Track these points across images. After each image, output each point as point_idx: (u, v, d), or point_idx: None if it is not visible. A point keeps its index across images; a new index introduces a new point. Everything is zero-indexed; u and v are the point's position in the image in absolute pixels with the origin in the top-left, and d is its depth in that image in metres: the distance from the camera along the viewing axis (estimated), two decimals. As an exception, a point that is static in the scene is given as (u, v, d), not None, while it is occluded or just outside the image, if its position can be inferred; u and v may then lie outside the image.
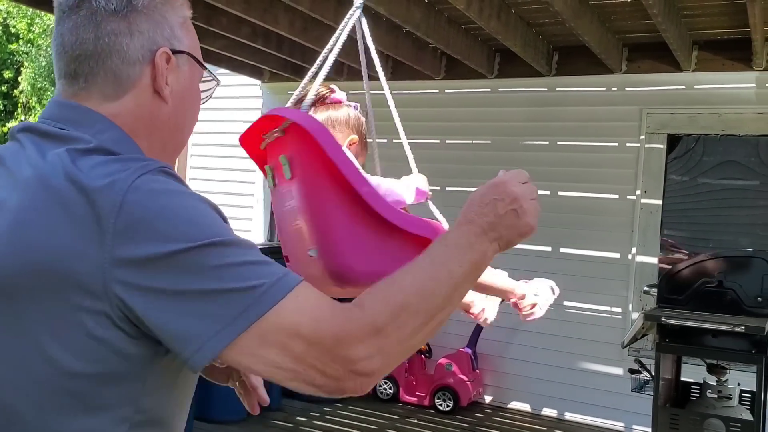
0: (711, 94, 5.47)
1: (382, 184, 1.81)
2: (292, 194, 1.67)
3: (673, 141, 5.64)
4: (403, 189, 1.89)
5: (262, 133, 1.76)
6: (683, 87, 5.57)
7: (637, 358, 4.49)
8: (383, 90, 2.09)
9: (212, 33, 5.70)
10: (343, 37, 1.88)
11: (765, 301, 3.67)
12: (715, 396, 4.01)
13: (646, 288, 4.64)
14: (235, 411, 5.06)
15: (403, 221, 1.65)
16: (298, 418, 5.34)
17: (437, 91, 6.46)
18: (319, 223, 1.62)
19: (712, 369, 4.06)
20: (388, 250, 1.65)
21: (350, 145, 1.98)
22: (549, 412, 5.90)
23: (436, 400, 5.74)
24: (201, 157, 7.69)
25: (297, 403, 5.61)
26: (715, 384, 4.02)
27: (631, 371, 4.39)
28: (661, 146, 5.61)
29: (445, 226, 1.85)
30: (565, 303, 5.88)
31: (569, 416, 5.81)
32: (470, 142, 6.32)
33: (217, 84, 1.36)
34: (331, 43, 1.85)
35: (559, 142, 5.98)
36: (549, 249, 5.98)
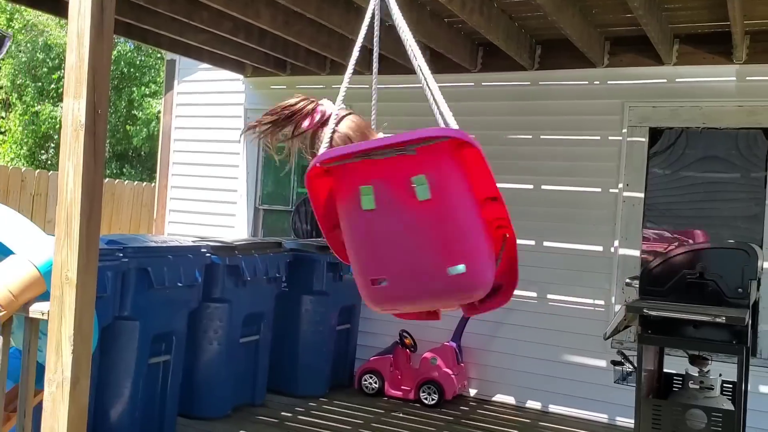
0: (692, 87, 5.50)
1: None
2: (427, 214, 1.69)
3: (655, 134, 5.67)
4: None
5: (340, 158, 1.80)
6: (665, 80, 5.60)
7: (620, 350, 4.51)
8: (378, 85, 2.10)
9: (193, 27, 5.67)
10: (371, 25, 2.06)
11: (745, 292, 3.70)
12: (697, 387, 4.04)
13: (628, 280, 4.65)
14: (219, 407, 5.05)
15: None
16: (282, 413, 5.32)
17: (419, 84, 6.42)
18: (470, 237, 1.70)
19: (694, 360, 4.09)
20: (492, 254, 1.85)
21: None
22: (533, 404, 5.92)
23: (422, 394, 5.75)
24: (184, 152, 7.63)
25: (281, 399, 5.60)
26: (697, 375, 4.06)
27: (614, 363, 4.41)
28: (643, 139, 5.64)
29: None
30: (549, 296, 5.91)
31: (553, 408, 5.84)
32: (454, 136, 6.31)
33: (10, 39, 1.33)
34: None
35: (542, 136, 6.00)
36: (533, 242, 6.00)
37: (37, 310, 2.58)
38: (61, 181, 2.54)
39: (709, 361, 4.06)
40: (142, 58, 18.21)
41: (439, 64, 6.23)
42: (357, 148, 1.81)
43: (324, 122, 1.99)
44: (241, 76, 7.22)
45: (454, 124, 1.95)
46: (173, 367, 4.59)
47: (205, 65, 7.25)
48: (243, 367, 5.26)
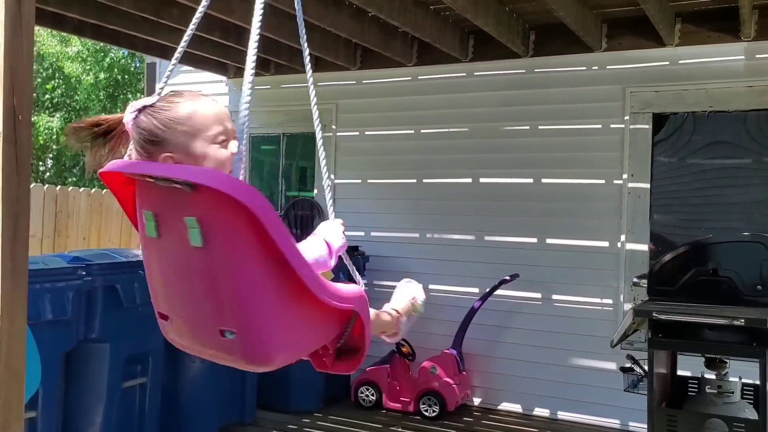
0: (697, 68, 5.16)
1: (306, 255, 1.55)
2: (201, 263, 1.42)
3: (659, 120, 5.33)
4: (327, 259, 1.67)
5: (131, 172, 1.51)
6: (667, 63, 5.25)
7: (630, 354, 4.18)
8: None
9: (165, 27, 5.37)
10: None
11: (765, 290, 3.36)
12: (715, 392, 3.71)
13: (635, 279, 4.32)
14: (204, 428, 4.75)
15: (339, 299, 1.54)
16: (273, 431, 5.01)
17: (409, 78, 6.13)
18: (243, 305, 1.41)
19: (710, 363, 3.76)
20: (314, 325, 1.56)
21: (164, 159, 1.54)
22: (541, 411, 5.59)
23: (422, 406, 5.43)
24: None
25: (273, 415, 5.29)
26: (714, 378, 3.73)
27: (623, 369, 4.09)
28: (647, 126, 5.30)
29: (361, 284, 1.78)
30: (554, 296, 5.59)
31: (562, 415, 5.51)
32: (446, 130, 6.00)
33: None
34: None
35: (540, 126, 5.67)
36: (534, 240, 5.67)
37: (-41, 346, 2.27)
38: (-21, 199, 2.23)
39: (727, 364, 3.73)
40: (137, 64, 17.97)
41: (427, 55, 5.94)
42: (136, 168, 1.51)
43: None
44: (224, 78, 6.93)
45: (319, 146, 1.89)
46: (150, 389, 4.29)
47: (187, 67, 6.96)
48: (229, 384, 4.96)
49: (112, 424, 4.00)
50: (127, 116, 1.57)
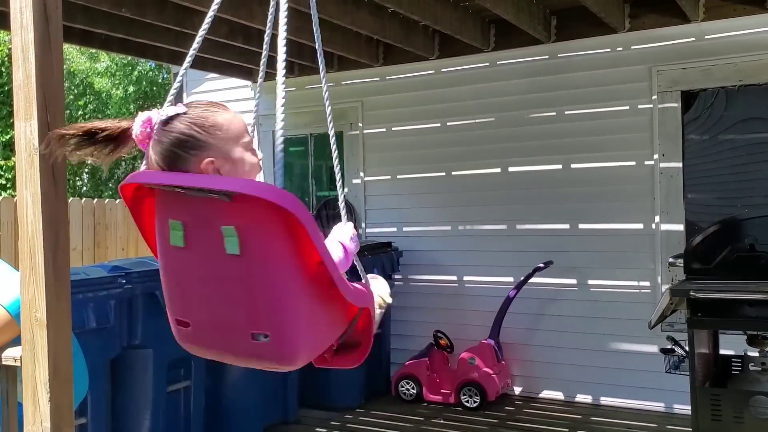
0: (724, 43, 5.07)
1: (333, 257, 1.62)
2: (233, 269, 1.46)
3: (688, 98, 5.25)
4: (344, 260, 1.72)
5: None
6: (693, 39, 5.18)
7: (670, 335, 4.15)
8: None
9: (190, 35, 5.43)
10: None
11: (804, 263, 3.31)
12: (759, 369, 3.66)
13: (671, 259, 4.27)
14: (249, 429, 4.82)
15: (358, 298, 1.65)
16: (317, 429, 5.07)
17: (433, 71, 6.13)
18: (278, 309, 1.48)
19: (752, 340, 3.71)
20: (332, 325, 1.67)
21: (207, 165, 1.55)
22: (583, 398, 5.56)
23: (462, 397, 5.44)
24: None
25: (316, 413, 5.35)
26: (758, 356, 3.68)
27: (663, 351, 4.05)
28: (676, 105, 5.23)
29: (367, 282, 1.84)
30: (590, 282, 5.55)
31: (605, 401, 5.47)
32: (473, 121, 5.99)
33: None
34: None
35: (566, 112, 5.63)
36: (567, 226, 5.64)
37: (9, 356, 2.35)
38: (20, 213, 2.30)
39: (770, 340, 3.68)
40: (165, 76, 18.22)
41: (449, 47, 5.93)
42: (168, 179, 1.53)
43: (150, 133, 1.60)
44: (249, 83, 7.00)
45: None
46: (194, 392, 4.37)
47: (213, 75, 7.05)
48: (271, 384, 5.02)
49: (159, 427, 4.09)
50: (138, 126, 1.57)
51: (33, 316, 2.30)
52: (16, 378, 2.42)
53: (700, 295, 3.27)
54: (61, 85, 2.35)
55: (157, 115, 1.59)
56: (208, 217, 1.46)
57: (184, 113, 1.59)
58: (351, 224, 1.80)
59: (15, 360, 2.34)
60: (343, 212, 1.92)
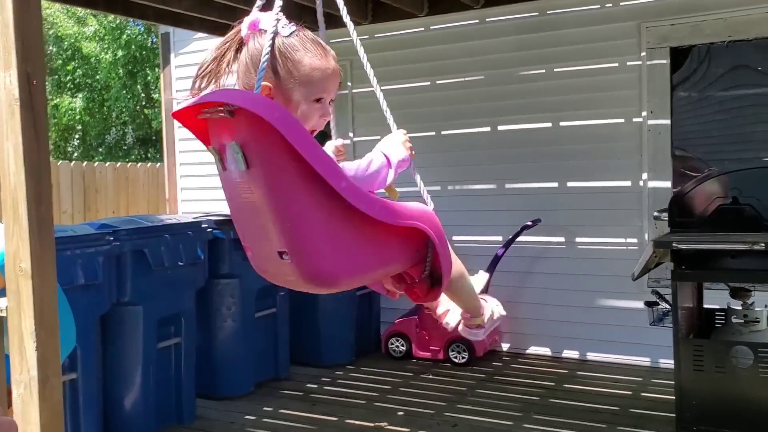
0: (714, -2, 5.04)
1: (358, 173, 1.54)
2: (251, 187, 1.44)
3: (677, 55, 5.23)
4: (383, 171, 1.59)
5: (201, 107, 1.47)
6: (683, -6, 5.14)
7: (655, 289, 4.19)
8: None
9: (175, -7, 5.37)
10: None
11: (786, 214, 3.34)
12: (741, 321, 3.72)
13: (656, 213, 4.30)
14: (241, 385, 4.88)
15: (392, 216, 1.49)
16: (308, 385, 5.14)
17: (422, 29, 6.07)
18: (289, 226, 1.42)
19: (735, 293, 3.76)
20: (372, 245, 1.51)
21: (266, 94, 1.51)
22: (570, 353, 5.64)
23: (451, 353, 5.51)
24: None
25: (307, 370, 5.42)
26: (740, 308, 3.73)
27: (648, 303, 4.10)
28: (665, 61, 5.21)
29: (430, 205, 1.69)
30: (578, 239, 5.59)
31: (591, 356, 5.55)
32: (462, 79, 5.96)
33: None
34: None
35: (555, 69, 5.60)
36: (555, 185, 5.65)
37: (-6, 306, 2.37)
38: (1, 164, 2.30)
39: (752, 293, 3.73)
40: (153, 40, 17.98)
41: (438, 4, 5.87)
42: (196, 100, 1.51)
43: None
44: (237, 42, 6.92)
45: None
46: (185, 348, 4.41)
47: (201, 34, 6.97)
48: (263, 342, 5.08)
49: (150, 383, 4.14)
50: (246, 28, 1.56)
51: (18, 266, 2.31)
52: (3, 329, 2.44)
53: (683, 247, 3.31)
54: (40, 36, 2.34)
55: (266, 20, 1.53)
56: (224, 136, 1.46)
57: (287, 35, 1.53)
58: (402, 131, 1.68)
59: (0, 311, 2.36)
60: (390, 120, 1.82)
